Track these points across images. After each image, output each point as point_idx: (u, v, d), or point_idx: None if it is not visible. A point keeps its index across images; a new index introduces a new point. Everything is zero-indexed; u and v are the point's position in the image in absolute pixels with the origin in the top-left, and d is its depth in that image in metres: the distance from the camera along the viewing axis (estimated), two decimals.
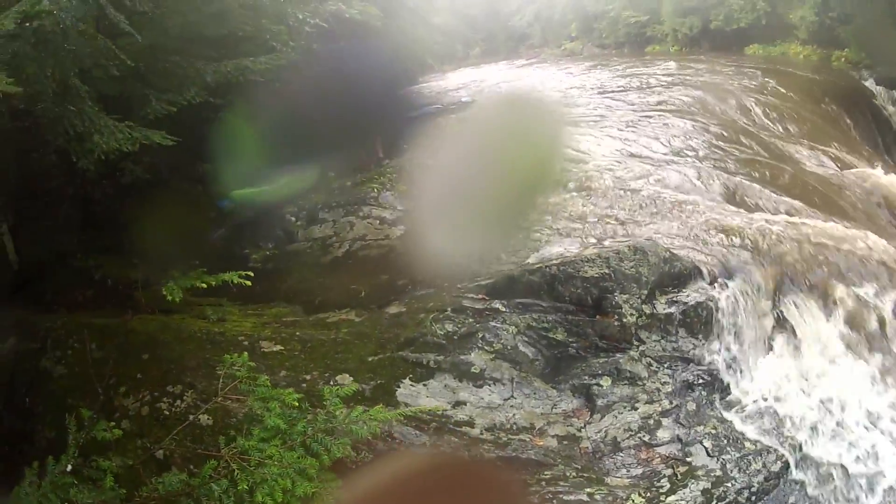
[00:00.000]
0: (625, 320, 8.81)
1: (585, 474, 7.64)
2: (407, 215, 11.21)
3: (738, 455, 7.96)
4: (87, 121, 8.01)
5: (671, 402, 8.31)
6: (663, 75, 20.26)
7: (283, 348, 8.52)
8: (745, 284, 9.35)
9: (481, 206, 9.72)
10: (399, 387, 8.08)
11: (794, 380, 8.96)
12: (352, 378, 8.09)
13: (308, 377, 8.10)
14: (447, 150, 12.86)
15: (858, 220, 12.32)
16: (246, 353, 6.89)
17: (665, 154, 13.80)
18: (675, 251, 9.64)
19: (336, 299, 9.78)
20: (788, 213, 11.67)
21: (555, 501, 7.27)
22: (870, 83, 20.82)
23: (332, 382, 7.96)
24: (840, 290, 9.81)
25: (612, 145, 14.07)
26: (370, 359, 8.40)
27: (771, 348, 9.28)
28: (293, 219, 11.58)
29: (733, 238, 10.23)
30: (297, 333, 8.83)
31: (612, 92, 19.02)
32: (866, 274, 10.14)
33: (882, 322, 9.78)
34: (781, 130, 16.17)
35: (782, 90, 18.73)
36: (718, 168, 13.17)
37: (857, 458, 8.43)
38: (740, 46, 24.90)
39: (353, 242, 10.88)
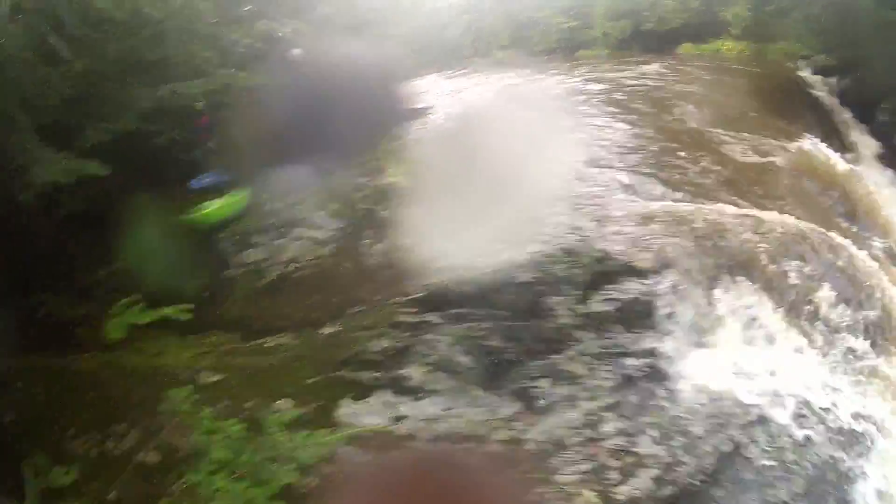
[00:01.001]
0: (560, 322, 8.73)
1: (534, 475, 7.56)
2: (341, 233, 11.07)
3: (685, 441, 7.90)
4: (28, 152, 7.87)
5: (613, 397, 8.21)
6: (598, 80, 20.14)
7: (223, 377, 8.38)
8: (680, 276, 9.32)
9: (415, 221, 9.71)
10: (339, 407, 7.94)
11: (735, 363, 8.96)
12: (292, 402, 7.91)
13: (249, 404, 7.87)
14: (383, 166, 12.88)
15: (790, 204, 12.35)
16: (189, 386, 6.93)
17: (604, 156, 13.69)
18: (607, 250, 9.56)
19: (272, 324, 9.66)
20: (725, 203, 11.68)
21: None
22: (807, 73, 20.99)
23: (272, 408, 7.80)
24: (769, 272, 9.90)
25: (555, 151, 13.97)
26: (309, 381, 8.27)
27: (708, 335, 9.27)
28: (227, 245, 11.37)
29: (668, 231, 10.21)
30: (236, 361, 8.69)
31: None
32: (791, 255, 10.26)
33: (809, 300, 9.91)
34: (719, 123, 16.09)
35: (721, 85, 18.76)
36: (657, 167, 13.13)
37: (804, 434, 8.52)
38: (672, 46, 24.91)
39: (287, 265, 10.73)
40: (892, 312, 10.88)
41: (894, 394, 9.77)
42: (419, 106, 17.02)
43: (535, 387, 8.28)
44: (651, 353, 8.69)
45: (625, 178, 12.26)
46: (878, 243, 13.33)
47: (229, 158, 12.97)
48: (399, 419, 7.91)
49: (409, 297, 9.26)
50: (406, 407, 8.02)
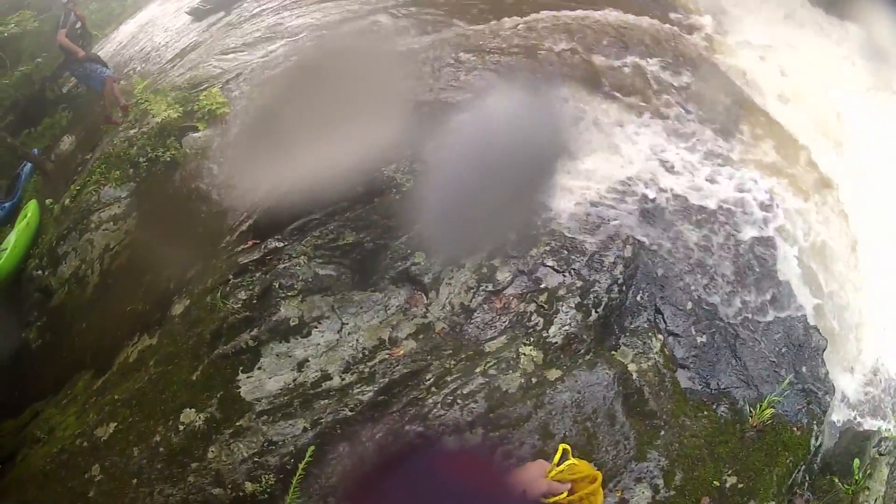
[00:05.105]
0: (404, 189, 7.58)
1: (463, 355, 6.55)
2: (137, 198, 9.29)
3: (586, 258, 7.07)
4: None
5: (492, 243, 7.18)
6: None
7: (118, 424, 6.84)
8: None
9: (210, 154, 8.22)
10: (239, 387, 6.56)
11: (605, 162, 8.02)
12: (193, 409, 6.57)
13: (157, 438, 6.53)
14: None
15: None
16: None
17: None
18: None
19: (122, 329, 8.04)
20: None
21: (457, 400, 6.19)
22: None
23: (179, 425, 6.50)
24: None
25: None
26: (195, 377, 6.80)
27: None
28: (40, 272, 9.49)
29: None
30: (117, 397, 7.09)
31: None
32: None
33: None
34: None
35: None
36: None
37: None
38: None
39: (102, 259, 8.87)
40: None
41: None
42: None
43: (413, 264, 7.11)
44: None
45: None
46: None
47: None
48: (302, 365, 6.61)
49: (238, 233, 7.74)
50: (300, 349, 6.69)
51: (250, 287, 7.06)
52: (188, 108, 9.70)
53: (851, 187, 10.05)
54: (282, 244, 7.28)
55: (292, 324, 6.78)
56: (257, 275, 7.15)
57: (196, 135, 9.19)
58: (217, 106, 9.37)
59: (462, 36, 9.99)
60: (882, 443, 7.06)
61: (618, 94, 9.31)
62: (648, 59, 9.95)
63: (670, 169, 8.56)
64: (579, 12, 10.58)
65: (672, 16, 12.12)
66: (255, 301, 6.97)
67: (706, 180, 8.61)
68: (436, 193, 7.09)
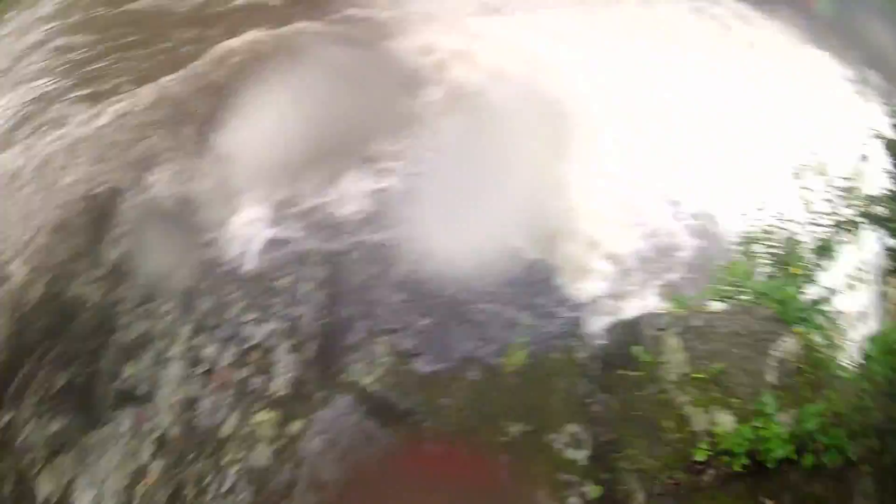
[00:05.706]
0: (88, 304, 7.02)
1: (208, 450, 5.96)
2: None
3: (282, 296, 6.86)
4: None
5: (182, 320, 6.74)
6: None
7: None
8: None
9: None
10: None
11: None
12: None
13: None
14: None
15: None
16: None
17: None
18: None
19: None
20: None
21: (225, 500, 5.64)
22: None
23: None
24: None
25: None
26: None
27: None
28: None
29: None
30: None
31: None
32: None
33: None
34: None
35: None
36: None
37: None
38: None
39: None
40: None
41: None
42: None
43: (125, 379, 6.49)
44: None
45: None
46: None
47: None
48: None
49: None
50: None
51: (5, 479, 6.35)
52: None
53: None
54: (9, 415, 6.58)
55: (55, 499, 6.11)
56: (4, 463, 6.44)
57: None
58: None
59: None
60: (654, 320, 6.59)
61: None
62: None
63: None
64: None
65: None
66: (15, 492, 6.30)
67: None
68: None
